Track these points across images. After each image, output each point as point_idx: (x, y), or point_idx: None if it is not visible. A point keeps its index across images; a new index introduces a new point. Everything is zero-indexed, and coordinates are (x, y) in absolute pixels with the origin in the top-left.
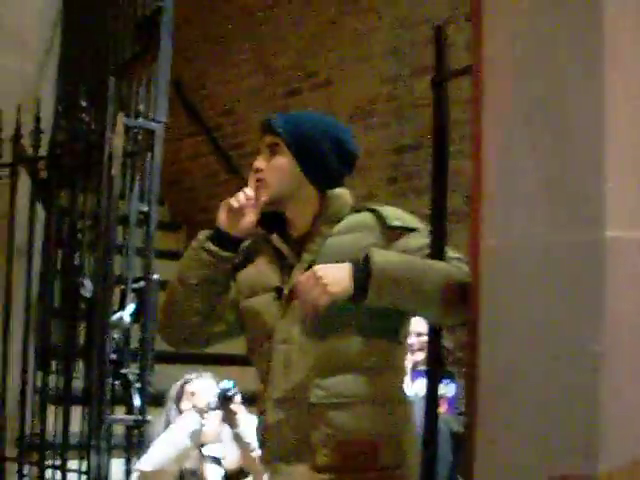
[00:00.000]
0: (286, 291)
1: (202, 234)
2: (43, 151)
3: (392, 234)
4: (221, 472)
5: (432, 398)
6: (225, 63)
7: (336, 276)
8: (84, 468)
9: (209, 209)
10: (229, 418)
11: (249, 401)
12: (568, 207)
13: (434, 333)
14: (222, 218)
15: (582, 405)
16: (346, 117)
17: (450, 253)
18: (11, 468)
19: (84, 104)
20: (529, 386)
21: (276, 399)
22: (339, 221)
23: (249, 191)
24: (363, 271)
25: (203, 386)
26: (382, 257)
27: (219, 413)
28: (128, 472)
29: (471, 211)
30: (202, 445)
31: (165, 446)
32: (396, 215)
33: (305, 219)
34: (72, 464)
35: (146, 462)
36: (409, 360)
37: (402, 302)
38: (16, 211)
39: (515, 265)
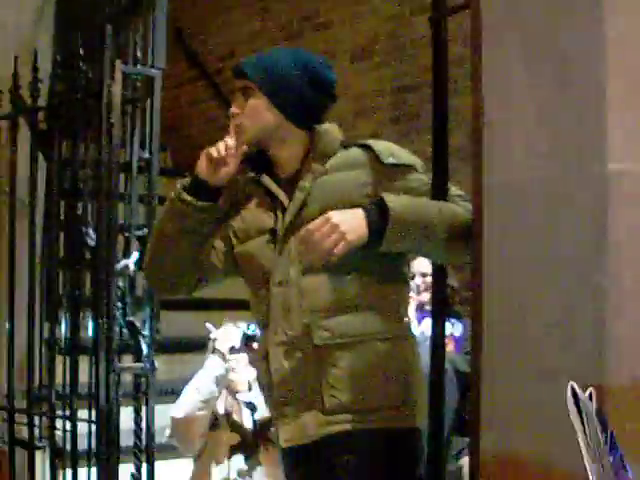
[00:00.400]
0: (280, 232)
1: (179, 183)
2: (42, 102)
3: (388, 171)
4: (254, 417)
5: (438, 337)
6: (225, 7)
7: (352, 223)
8: (94, 417)
9: None
10: (253, 359)
11: None
12: (569, 141)
13: (439, 273)
14: (202, 167)
15: (587, 326)
16: (347, 58)
17: (453, 190)
18: (21, 420)
19: (82, 53)
20: (535, 319)
21: (278, 343)
22: (330, 157)
23: (230, 140)
24: (379, 217)
25: (224, 332)
26: (396, 203)
27: (244, 356)
28: (137, 420)
29: (472, 147)
30: (236, 392)
31: (192, 392)
32: (389, 151)
33: (292, 158)
34: (82, 414)
35: (176, 409)
36: (415, 300)
37: (414, 246)
38: (17, 163)
39: (517, 200)
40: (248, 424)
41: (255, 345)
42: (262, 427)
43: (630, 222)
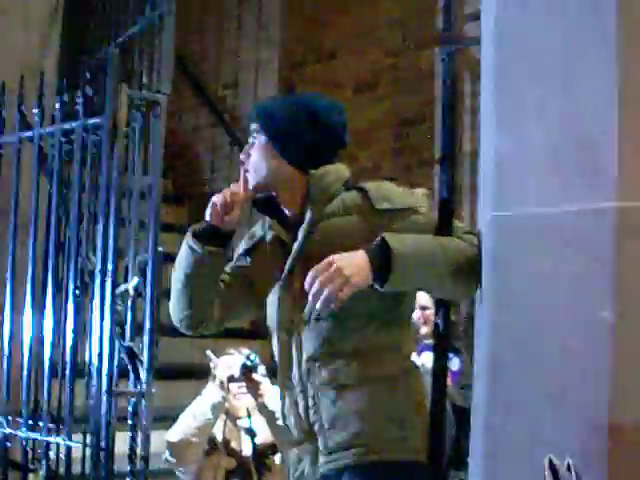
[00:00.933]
0: (284, 279)
1: (190, 229)
2: (47, 123)
3: (383, 217)
4: (254, 443)
5: (440, 371)
6: (228, 36)
7: (355, 266)
8: (88, 441)
9: (212, 182)
10: (252, 389)
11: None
12: (579, 176)
13: (442, 305)
14: (209, 214)
15: (595, 372)
16: (350, 90)
17: (457, 224)
18: (14, 441)
19: (87, 76)
20: (541, 354)
21: (287, 386)
22: (332, 199)
23: (234, 187)
24: (381, 258)
25: (224, 359)
26: (399, 242)
27: (242, 385)
28: (132, 445)
29: (480, 179)
30: (237, 418)
31: (188, 418)
32: (383, 195)
33: (295, 202)
34: (76, 438)
35: (172, 433)
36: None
37: (419, 284)
38: (20, 184)
39: (526, 234)
40: (247, 450)
41: (254, 376)
42: (261, 453)
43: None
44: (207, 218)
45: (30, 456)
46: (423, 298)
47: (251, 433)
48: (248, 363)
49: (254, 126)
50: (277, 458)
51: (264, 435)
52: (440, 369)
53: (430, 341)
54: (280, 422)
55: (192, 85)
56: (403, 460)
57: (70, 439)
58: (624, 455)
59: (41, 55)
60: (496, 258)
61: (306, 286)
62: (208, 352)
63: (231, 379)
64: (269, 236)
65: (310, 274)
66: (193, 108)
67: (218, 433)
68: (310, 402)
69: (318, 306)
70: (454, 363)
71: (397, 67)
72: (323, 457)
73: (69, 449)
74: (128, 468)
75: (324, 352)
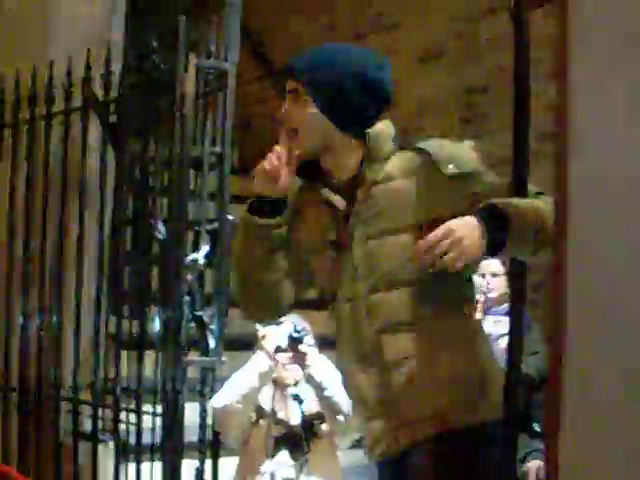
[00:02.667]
0: (345, 246)
1: (245, 205)
2: (114, 95)
3: (449, 182)
4: (302, 410)
5: (516, 332)
6: (292, 7)
7: (474, 237)
8: (158, 411)
9: None
10: (299, 359)
11: (324, 343)
12: None
13: (519, 268)
14: (258, 184)
15: None
16: (415, 58)
17: (532, 188)
18: (86, 411)
19: (155, 45)
20: (621, 314)
21: (352, 360)
22: (385, 160)
23: (280, 149)
24: (496, 229)
25: (272, 329)
26: (512, 209)
27: (290, 355)
28: (203, 414)
29: (558, 145)
30: (285, 386)
31: (234, 385)
32: (449, 158)
33: (346, 166)
34: (146, 407)
35: (216, 399)
36: (482, 299)
37: (524, 253)
38: (87, 155)
39: (605, 195)
40: (295, 419)
41: (300, 347)
42: (309, 421)
43: None
44: (257, 188)
45: (100, 427)
46: (493, 265)
47: (299, 399)
48: (295, 335)
49: (295, 85)
50: (324, 426)
51: (311, 404)
52: (516, 329)
53: (499, 308)
54: (327, 392)
55: (255, 57)
56: (482, 422)
57: (140, 409)
58: None
59: (107, 27)
60: (573, 219)
61: (420, 249)
62: (255, 323)
63: (278, 349)
64: (311, 201)
65: (429, 238)
66: (257, 79)
67: (266, 402)
68: (380, 375)
69: (425, 268)
70: None
71: (463, 35)
72: (399, 431)
73: (140, 419)
74: (198, 437)
75: (393, 323)
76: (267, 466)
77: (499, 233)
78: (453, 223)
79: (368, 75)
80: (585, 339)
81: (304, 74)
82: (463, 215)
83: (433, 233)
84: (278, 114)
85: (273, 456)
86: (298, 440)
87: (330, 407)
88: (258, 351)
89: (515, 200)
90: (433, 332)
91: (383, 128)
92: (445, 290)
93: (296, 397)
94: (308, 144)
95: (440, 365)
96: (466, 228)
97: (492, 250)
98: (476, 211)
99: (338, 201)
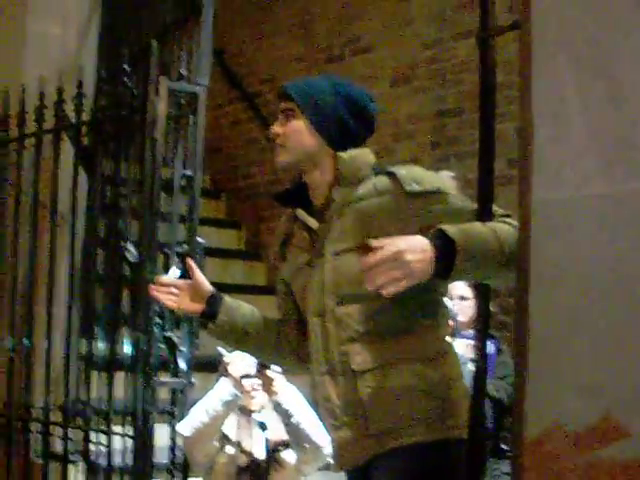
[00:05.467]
0: (313, 261)
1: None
2: (86, 117)
3: (412, 199)
4: (265, 437)
5: (481, 357)
6: (266, 30)
7: (422, 260)
8: (128, 432)
9: (249, 176)
10: (266, 385)
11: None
12: (621, 158)
13: (483, 292)
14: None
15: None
16: (387, 82)
17: (497, 211)
18: (57, 432)
19: (126, 68)
20: (584, 338)
21: (322, 372)
22: (359, 183)
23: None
24: (445, 252)
25: (238, 355)
26: (459, 233)
27: (257, 381)
28: (173, 436)
29: (520, 164)
30: (250, 412)
31: (200, 412)
32: (412, 177)
33: (323, 184)
34: (116, 429)
35: (183, 426)
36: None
37: (477, 275)
38: (59, 178)
39: (567, 218)
40: (258, 447)
41: (268, 372)
42: (273, 449)
43: None
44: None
45: (71, 448)
46: (462, 288)
47: (263, 427)
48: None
49: (286, 105)
50: (289, 454)
51: (276, 431)
52: (481, 356)
53: (467, 332)
54: (293, 419)
55: (229, 80)
56: (446, 439)
57: (111, 430)
58: None
59: (79, 51)
60: (536, 242)
61: (365, 265)
62: (219, 348)
63: (246, 376)
64: (296, 229)
65: (377, 257)
66: (230, 102)
67: (231, 430)
68: (346, 386)
69: (370, 288)
70: (490, 349)
71: (435, 59)
72: (364, 441)
73: (110, 440)
74: (168, 459)
75: (360, 334)
76: None
77: (449, 258)
78: (402, 245)
79: (359, 101)
80: (548, 356)
81: (300, 94)
82: (422, 233)
83: (380, 252)
84: (270, 131)
85: None
86: (262, 471)
87: (296, 434)
88: (222, 378)
89: (469, 225)
90: (400, 345)
91: (359, 153)
92: (413, 304)
93: (261, 425)
94: (294, 155)
95: (405, 377)
96: (416, 251)
97: (443, 274)
98: (429, 235)
99: (311, 221)
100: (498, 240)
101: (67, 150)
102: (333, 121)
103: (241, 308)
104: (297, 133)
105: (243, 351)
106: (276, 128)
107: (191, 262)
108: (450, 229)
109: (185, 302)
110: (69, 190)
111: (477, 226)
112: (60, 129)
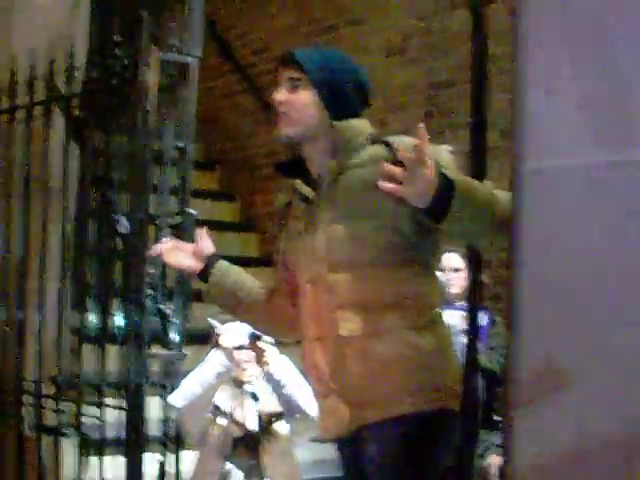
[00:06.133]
0: (307, 230)
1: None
2: (77, 89)
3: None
4: (257, 408)
5: (472, 328)
6: (259, 1)
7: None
8: (120, 405)
9: (244, 147)
10: (258, 357)
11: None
12: (614, 127)
13: (475, 262)
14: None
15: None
16: (381, 53)
17: (489, 183)
18: (49, 405)
19: (117, 39)
20: (573, 308)
21: (311, 339)
22: (356, 152)
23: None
24: (443, 192)
25: (230, 327)
26: (460, 181)
27: (249, 353)
28: (165, 408)
29: (513, 134)
30: (242, 383)
31: (192, 384)
32: (406, 145)
33: (322, 155)
34: (109, 401)
35: (175, 397)
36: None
37: (467, 226)
38: (50, 150)
39: (558, 186)
40: (251, 421)
41: (259, 343)
42: (266, 420)
43: None
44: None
45: (63, 421)
46: (455, 260)
47: (255, 397)
48: (255, 332)
49: (293, 74)
50: (281, 425)
51: (269, 402)
52: (472, 326)
53: (459, 303)
54: (285, 390)
55: (222, 51)
56: (437, 409)
57: (104, 402)
58: None
59: (70, 21)
60: (526, 211)
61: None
62: (210, 319)
63: (239, 347)
64: (295, 199)
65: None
66: (223, 74)
67: (223, 401)
68: (335, 353)
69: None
70: (482, 319)
71: (428, 30)
72: (350, 411)
73: (103, 412)
74: (160, 431)
75: (351, 301)
76: (225, 464)
77: (446, 202)
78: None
79: (363, 77)
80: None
81: (311, 63)
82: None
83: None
84: (274, 98)
85: (230, 456)
86: (255, 441)
87: (289, 405)
88: (214, 350)
89: (470, 178)
90: (390, 313)
91: (355, 122)
92: (405, 273)
93: (253, 395)
94: (300, 126)
95: (394, 346)
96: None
97: (437, 216)
98: None
99: (307, 190)
100: (493, 203)
101: (58, 122)
102: (341, 95)
103: (235, 271)
104: (304, 106)
105: (240, 319)
106: (280, 96)
107: (203, 231)
108: (451, 174)
109: (186, 261)
110: (60, 162)
111: (477, 182)
112: (51, 101)
